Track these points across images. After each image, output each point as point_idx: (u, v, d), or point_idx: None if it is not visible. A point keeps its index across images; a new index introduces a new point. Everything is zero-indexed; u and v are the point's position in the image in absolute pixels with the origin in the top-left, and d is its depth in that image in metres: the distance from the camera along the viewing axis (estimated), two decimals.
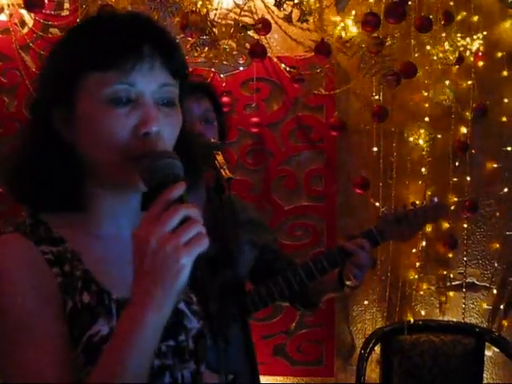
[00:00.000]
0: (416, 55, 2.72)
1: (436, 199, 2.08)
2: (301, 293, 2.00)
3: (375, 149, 2.80)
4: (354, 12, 2.61)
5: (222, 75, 2.83)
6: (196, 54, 2.43)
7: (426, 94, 2.73)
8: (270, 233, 2.18)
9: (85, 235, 1.00)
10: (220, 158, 1.74)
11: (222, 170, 1.69)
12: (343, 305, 3.05)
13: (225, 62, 2.73)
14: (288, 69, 2.88)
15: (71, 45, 0.98)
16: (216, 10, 2.47)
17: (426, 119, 2.78)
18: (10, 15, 2.88)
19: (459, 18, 2.81)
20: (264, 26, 2.58)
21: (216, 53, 2.60)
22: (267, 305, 1.96)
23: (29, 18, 2.93)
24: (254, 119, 2.98)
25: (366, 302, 2.99)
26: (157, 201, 0.83)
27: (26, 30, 2.94)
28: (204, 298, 0.89)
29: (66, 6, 2.94)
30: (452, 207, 2.85)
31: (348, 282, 1.89)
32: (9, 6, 2.89)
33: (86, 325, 0.93)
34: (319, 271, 1.92)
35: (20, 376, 0.89)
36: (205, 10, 2.26)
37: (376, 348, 2.91)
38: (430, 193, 2.84)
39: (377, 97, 2.78)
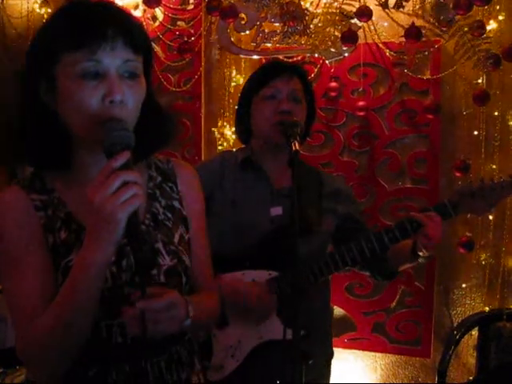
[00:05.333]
0: None
1: None
2: (378, 261, 2.04)
3: (475, 132, 2.79)
4: None
5: (327, 61, 2.96)
6: (290, 41, 2.60)
7: None
8: (355, 204, 2.23)
9: (74, 187, 1.24)
10: (294, 133, 1.90)
11: (292, 145, 1.85)
12: (443, 288, 3.07)
13: (333, 50, 2.88)
14: (394, 54, 2.96)
15: (49, 30, 1.18)
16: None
17: None
18: (144, 11, 3.26)
19: None
20: (365, 13, 2.68)
21: (321, 40, 2.76)
22: (339, 269, 1.99)
23: (159, 12, 3.29)
24: (361, 103, 3.09)
25: (464, 286, 2.99)
26: (103, 168, 1.04)
27: (157, 23, 3.30)
28: (135, 243, 1.06)
29: (191, 0, 3.26)
30: None
31: (420, 253, 1.90)
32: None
33: (63, 255, 1.20)
34: (390, 240, 1.93)
35: (9, 298, 1.19)
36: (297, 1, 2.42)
37: (474, 333, 2.91)
38: None
39: (480, 80, 2.76)
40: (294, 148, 1.80)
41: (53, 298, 1.14)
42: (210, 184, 2.05)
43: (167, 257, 1.28)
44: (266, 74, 2.06)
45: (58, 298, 1.12)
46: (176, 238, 1.33)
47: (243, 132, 2.16)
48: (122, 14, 1.20)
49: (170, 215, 1.34)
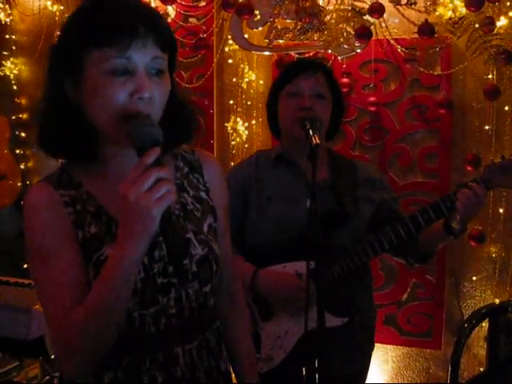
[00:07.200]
0: None
1: None
2: (412, 245, 2.06)
3: (487, 127, 2.83)
4: None
5: (339, 57, 3.00)
6: (303, 38, 2.63)
7: None
8: (390, 192, 2.23)
9: (101, 180, 1.27)
10: (313, 128, 1.92)
11: (312, 138, 1.88)
12: (454, 280, 3.12)
13: (345, 46, 2.91)
14: (405, 50, 2.99)
15: (77, 24, 1.18)
16: None
17: None
18: (156, 7, 3.28)
19: None
20: (377, 9, 2.72)
21: (333, 36, 2.79)
22: (377, 254, 2.03)
23: (171, 9, 3.32)
24: (372, 98, 3.14)
25: (474, 278, 3.03)
26: (136, 165, 1.06)
27: (169, 20, 3.33)
28: (168, 236, 1.07)
29: None
30: None
31: (454, 224, 1.91)
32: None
33: (94, 249, 1.22)
34: (426, 221, 1.95)
35: (42, 292, 1.21)
36: None
37: (484, 325, 2.95)
38: None
39: (490, 75, 2.79)
40: (314, 142, 1.84)
41: (86, 291, 1.17)
42: (246, 184, 2.12)
43: (198, 246, 1.31)
44: (290, 72, 2.10)
45: (92, 292, 1.15)
46: (205, 228, 1.36)
47: (275, 129, 2.20)
48: (151, 11, 1.21)
49: (198, 206, 1.37)
